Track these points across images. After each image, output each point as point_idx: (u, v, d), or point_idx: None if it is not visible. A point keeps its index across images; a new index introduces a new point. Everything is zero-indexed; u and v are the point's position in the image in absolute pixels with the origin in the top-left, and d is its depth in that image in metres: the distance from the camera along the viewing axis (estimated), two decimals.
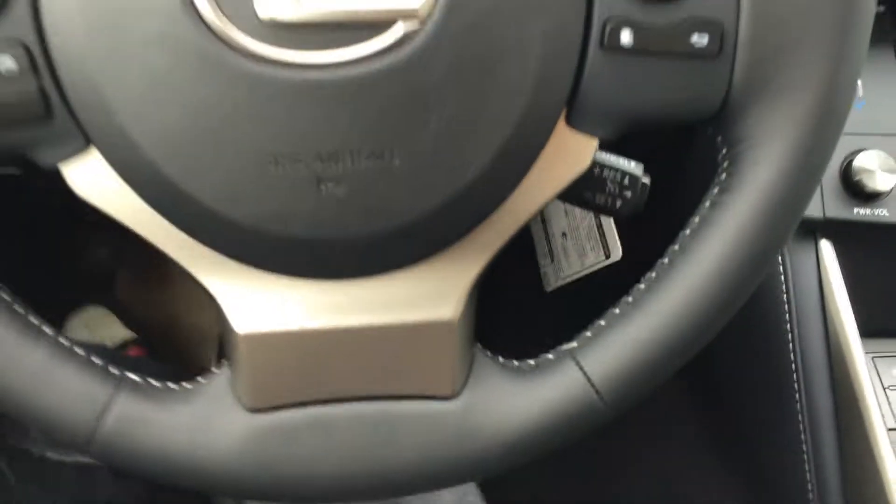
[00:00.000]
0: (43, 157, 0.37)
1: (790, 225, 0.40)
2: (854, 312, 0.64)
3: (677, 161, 0.67)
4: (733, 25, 0.37)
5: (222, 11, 0.33)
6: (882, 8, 0.65)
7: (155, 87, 0.34)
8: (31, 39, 0.34)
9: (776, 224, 0.39)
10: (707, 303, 0.40)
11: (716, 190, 0.40)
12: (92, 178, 0.37)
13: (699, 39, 0.36)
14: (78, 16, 0.34)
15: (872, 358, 0.67)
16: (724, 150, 0.40)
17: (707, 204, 0.40)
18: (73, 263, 1.14)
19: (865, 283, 0.66)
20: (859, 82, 0.65)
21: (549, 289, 0.74)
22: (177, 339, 1.42)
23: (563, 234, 0.72)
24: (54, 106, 0.35)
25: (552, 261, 0.73)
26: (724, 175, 0.40)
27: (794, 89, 0.38)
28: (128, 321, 1.14)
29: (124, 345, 1.08)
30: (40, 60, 0.34)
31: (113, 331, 1.11)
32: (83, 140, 0.36)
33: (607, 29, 0.36)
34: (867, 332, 0.65)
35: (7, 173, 0.70)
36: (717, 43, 0.37)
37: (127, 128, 0.35)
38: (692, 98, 0.38)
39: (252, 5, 0.33)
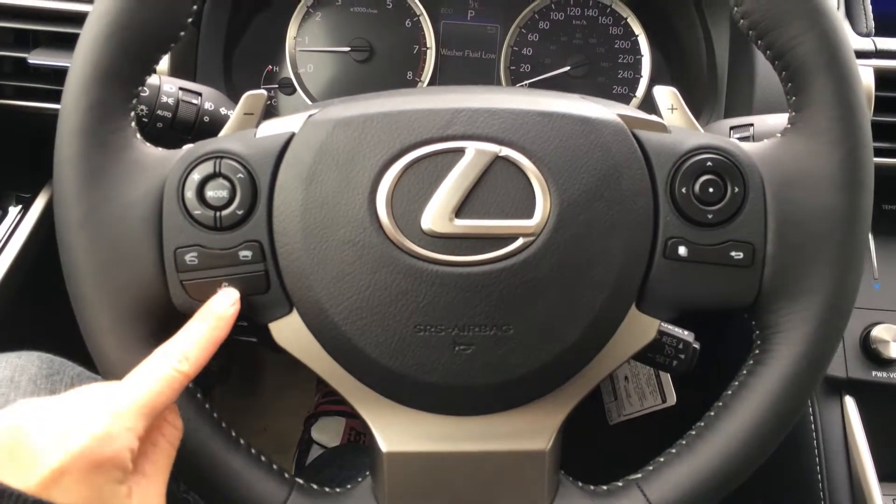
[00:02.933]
0: (258, 318, 0.51)
1: (808, 390, 0.51)
2: (874, 458, 0.72)
3: (720, 336, 0.77)
4: (762, 246, 0.49)
5: (397, 224, 0.48)
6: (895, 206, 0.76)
7: (344, 273, 0.48)
8: (264, 238, 0.49)
9: (798, 390, 0.50)
10: (745, 449, 0.50)
11: (751, 361, 0.52)
12: (291, 335, 0.51)
13: (736, 254, 0.49)
14: (299, 224, 0.48)
15: (893, 500, 0.74)
16: (756, 332, 0.52)
17: (745, 371, 0.52)
18: None
19: (884, 434, 0.74)
20: (875, 266, 0.76)
21: (611, 422, 0.85)
22: (263, 445, 1.52)
23: (626, 378, 0.83)
24: (272, 283, 0.49)
25: (615, 399, 0.84)
26: (757, 351, 0.52)
27: (809, 293, 0.50)
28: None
29: None
30: (268, 253, 0.49)
31: None
32: (288, 307, 0.50)
33: (668, 244, 0.49)
34: (887, 475, 0.73)
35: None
36: (750, 258, 0.49)
37: (322, 300, 0.49)
38: (731, 295, 0.50)
39: (419, 221, 0.48)
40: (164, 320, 0.50)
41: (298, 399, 1.46)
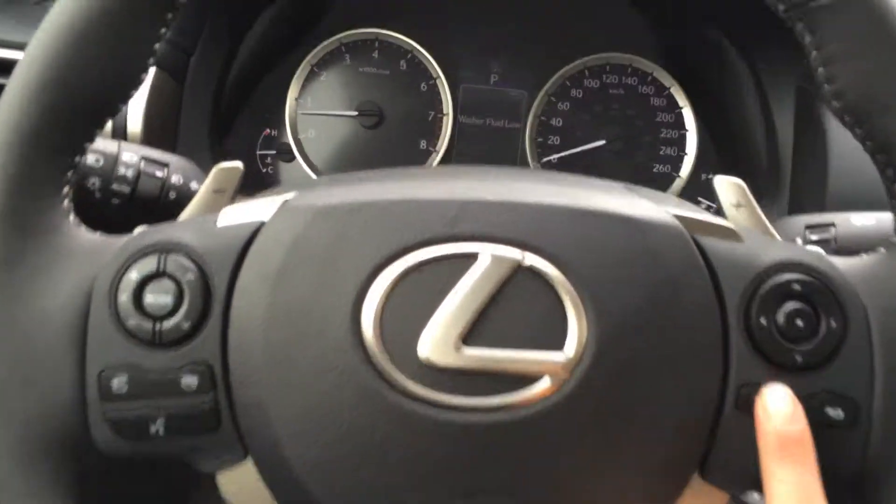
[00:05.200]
0: (204, 465, 0.39)
1: None
2: None
3: None
4: (868, 401, 0.38)
5: (386, 349, 0.37)
6: None
7: (314, 410, 0.37)
8: (215, 360, 0.38)
9: None
10: None
11: None
12: (242, 487, 0.39)
13: (834, 411, 0.37)
14: (259, 340, 0.37)
15: None
16: None
17: None
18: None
19: None
20: None
21: None
22: None
23: None
24: (223, 419, 0.38)
25: None
26: None
27: None
28: None
29: None
30: (219, 379, 0.38)
31: None
32: (242, 452, 0.39)
33: (742, 392, 0.38)
34: None
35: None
36: (852, 416, 0.38)
37: (282, 443, 0.37)
38: (827, 464, 0.37)
39: (415, 347, 0.37)
40: (82, 466, 0.38)
41: None
